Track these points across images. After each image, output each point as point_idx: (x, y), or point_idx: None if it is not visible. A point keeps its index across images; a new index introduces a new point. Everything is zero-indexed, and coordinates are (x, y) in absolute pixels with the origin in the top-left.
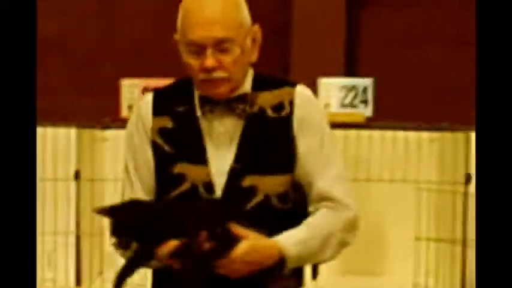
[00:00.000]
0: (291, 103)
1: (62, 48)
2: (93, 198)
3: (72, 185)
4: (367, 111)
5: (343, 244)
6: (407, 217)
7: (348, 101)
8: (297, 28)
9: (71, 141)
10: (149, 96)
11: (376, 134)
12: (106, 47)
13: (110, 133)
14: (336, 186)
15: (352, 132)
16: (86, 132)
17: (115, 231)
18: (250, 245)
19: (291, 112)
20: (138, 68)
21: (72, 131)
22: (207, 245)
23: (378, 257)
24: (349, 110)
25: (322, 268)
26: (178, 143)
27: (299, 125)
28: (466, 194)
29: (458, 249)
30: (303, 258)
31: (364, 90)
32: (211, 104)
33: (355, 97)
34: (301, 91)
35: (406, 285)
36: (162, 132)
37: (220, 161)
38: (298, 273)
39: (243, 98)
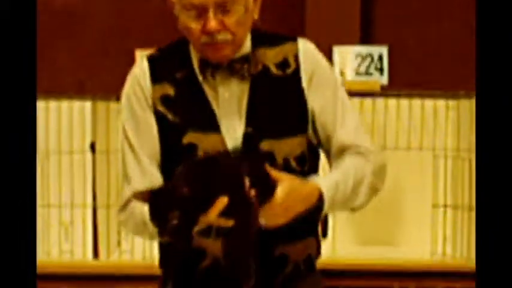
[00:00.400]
0: (296, 58)
1: (76, 20)
2: (109, 169)
3: (88, 157)
4: (383, 79)
5: (374, 189)
6: (425, 185)
7: (363, 69)
8: None
9: (85, 114)
10: (144, 63)
11: (391, 102)
12: (120, 18)
13: None
14: (358, 135)
15: (368, 101)
16: (101, 105)
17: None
18: (290, 184)
19: (298, 68)
20: (153, 39)
21: (87, 104)
22: (253, 193)
23: (395, 226)
24: (364, 78)
25: (340, 238)
26: (184, 111)
27: (308, 80)
28: None
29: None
30: (337, 202)
31: (380, 58)
32: (212, 67)
33: (370, 65)
34: (305, 45)
35: (423, 254)
36: (164, 100)
37: (231, 128)
38: (318, 236)
39: (245, 59)
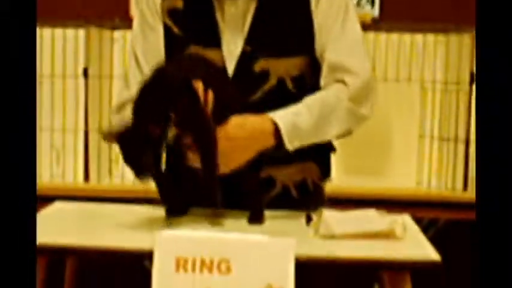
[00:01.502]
0: None
1: None
2: (101, 95)
3: (81, 82)
4: (374, 11)
5: (354, 115)
6: (412, 116)
7: (354, 1)
8: None
9: (79, 41)
10: None
11: (382, 35)
12: None
13: (118, 33)
14: (347, 56)
15: None
16: (95, 32)
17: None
18: (236, 119)
19: None
20: None
21: (81, 32)
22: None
23: (382, 156)
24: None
25: None
26: (189, 25)
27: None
28: (470, 93)
29: (461, 147)
30: (304, 131)
31: None
32: None
33: None
34: None
35: (409, 184)
36: (172, 13)
37: (232, 44)
38: (323, 161)
39: None
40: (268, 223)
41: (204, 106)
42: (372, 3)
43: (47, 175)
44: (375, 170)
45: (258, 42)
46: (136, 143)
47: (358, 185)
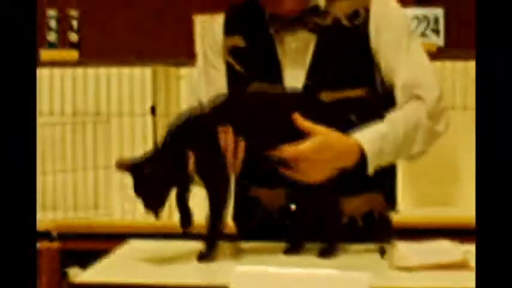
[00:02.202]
0: (367, 10)
1: None
2: None
3: (149, 120)
4: (439, 41)
5: (433, 133)
6: None
7: (419, 31)
8: None
9: (146, 79)
10: (221, 16)
11: (447, 64)
12: None
13: (184, 71)
14: (420, 72)
15: None
16: (161, 70)
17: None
18: (323, 138)
19: (367, 18)
20: (211, 5)
21: (147, 70)
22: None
23: (451, 186)
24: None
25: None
26: (251, 62)
27: (376, 28)
28: None
29: None
30: (387, 153)
31: (436, 20)
32: (281, 20)
33: (426, 27)
34: None
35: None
36: (234, 51)
37: (294, 79)
38: (389, 192)
39: (315, 10)
40: (340, 257)
41: (222, 156)
42: (437, 32)
43: (118, 212)
44: (444, 199)
45: (320, 75)
46: (156, 176)
47: (428, 215)
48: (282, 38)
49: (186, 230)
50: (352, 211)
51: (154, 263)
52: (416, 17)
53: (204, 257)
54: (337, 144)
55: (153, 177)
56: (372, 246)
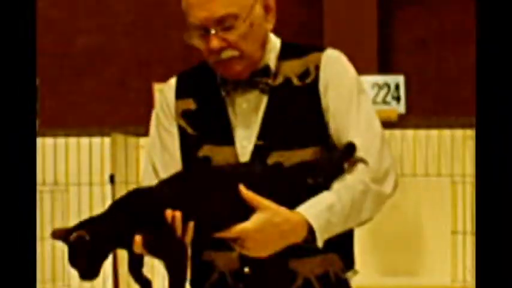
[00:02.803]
0: (317, 68)
1: (97, 59)
2: None
3: (108, 188)
4: (400, 107)
5: (381, 196)
6: (444, 211)
7: (380, 98)
8: (329, 28)
9: (105, 149)
10: (173, 80)
11: (409, 132)
12: (139, 54)
13: (144, 140)
14: (365, 136)
15: (385, 131)
16: (120, 139)
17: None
18: (268, 216)
19: (317, 77)
20: (172, 73)
21: (106, 140)
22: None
23: (415, 255)
24: (381, 107)
25: (360, 268)
26: (202, 125)
27: (325, 86)
28: None
29: None
30: (335, 225)
31: (397, 87)
32: (232, 83)
33: (387, 94)
34: (329, 54)
35: (444, 282)
36: (185, 114)
37: (245, 140)
38: (346, 253)
39: (265, 71)
40: None
41: (175, 235)
42: (398, 99)
43: (76, 286)
44: (408, 268)
45: (271, 135)
46: (95, 249)
47: (392, 284)
48: (233, 99)
49: None
50: (306, 273)
51: None
52: (377, 84)
53: None
54: (283, 223)
55: (88, 244)
56: None
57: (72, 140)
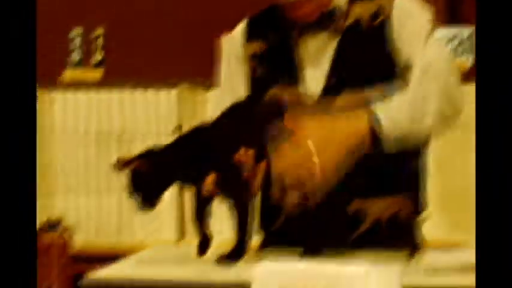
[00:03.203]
0: (389, 8)
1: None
2: None
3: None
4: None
5: (442, 115)
6: None
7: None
8: None
9: (172, 102)
10: (243, 24)
11: None
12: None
13: (211, 93)
14: (438, 56)
15: None
16: (187, 93)
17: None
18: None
19: (388, 18)
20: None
21: (173, 92)
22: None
23: None
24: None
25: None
26: (271, 67)
27: (398, 23)
28: None
29: None
30: (399, 121)
31: (468, 38)
32: (302, 24)
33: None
34: None
35: None
36: (254, 57)
37: (314, 80)
38: (417, 195)
39: (336, 12)
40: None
41: (245, 177)
42: (468, 52)
43: (141, 233)
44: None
45: (340, 75)
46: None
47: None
48: (303, 41)
49: (202, 255)
50: (375, 214)
51: (174, 263)
52: (447, 37)
53: (225, 259)
54: (342, 121)
55: (149, 174)
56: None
57: (139, 94)
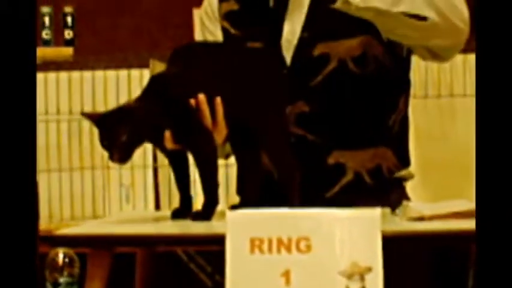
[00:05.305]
0: None
1: None
2: None
3: None
4: None
5: (417, 10)
6: None
7: None
8: None
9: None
10: None
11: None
12: None
13: None
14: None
15: None
16: (160, 67)
17: None
18: None
19: None
20: None
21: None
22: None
23: (464, 180)
24: None
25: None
26: (245, 24)
27: None
28: None
29: None
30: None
31: None
32: None
33: None
34: None
35: None
36: (229, 15)
37: (290, 34)
38: (399, 148)
39: None
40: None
41: (200, 119)
42: None
43: (116, 211)
44: (456, 193)
45: (316, 27)
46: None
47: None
48: None
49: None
50: (356, 166)
51: (149, 221)
52: None
53: (199, 216)
54: None
55: (122, 129)
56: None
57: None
